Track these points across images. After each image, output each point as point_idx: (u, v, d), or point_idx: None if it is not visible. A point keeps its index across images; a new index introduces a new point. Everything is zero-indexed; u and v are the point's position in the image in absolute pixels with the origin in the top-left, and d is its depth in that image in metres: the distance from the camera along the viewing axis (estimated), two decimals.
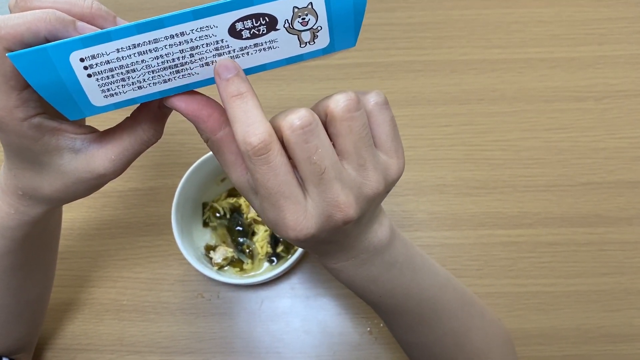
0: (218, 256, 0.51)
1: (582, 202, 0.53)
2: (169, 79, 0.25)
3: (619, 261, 0.51)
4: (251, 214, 0.53)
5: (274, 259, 0.52)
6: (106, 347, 0.51)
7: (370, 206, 0.27)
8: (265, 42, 0.25)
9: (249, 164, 0.24)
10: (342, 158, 0.25)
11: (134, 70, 0.24)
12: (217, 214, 0.53)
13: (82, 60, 0.23)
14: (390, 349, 0.49)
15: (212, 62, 0.25)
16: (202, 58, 0.25)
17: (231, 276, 0.50)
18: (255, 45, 0.25)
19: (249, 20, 0.24)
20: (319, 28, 0.25)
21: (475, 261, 0.52)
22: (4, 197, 0.31)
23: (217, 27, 0.24)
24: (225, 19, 0.23)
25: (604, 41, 0.60)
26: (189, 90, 0.26)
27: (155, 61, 0.24)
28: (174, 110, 0.27)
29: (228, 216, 0.53)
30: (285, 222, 0.25)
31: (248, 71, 0.26)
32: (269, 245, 0.51)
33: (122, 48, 0.23)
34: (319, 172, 0.24)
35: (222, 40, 0.24)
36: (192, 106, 0.26)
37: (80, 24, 0.24)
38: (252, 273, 0.51)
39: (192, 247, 0.49)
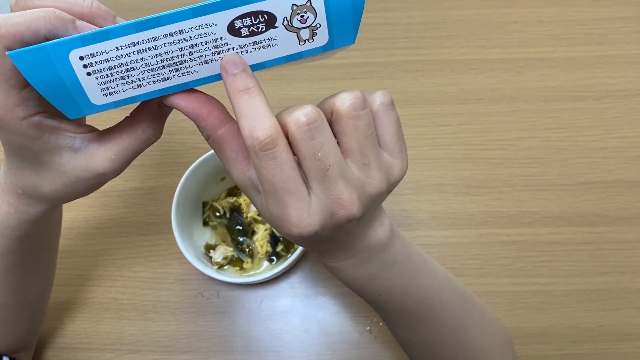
0: (218, 255, 0.51)
1: (581, 202, 0.54)
2: (168, 77, 0.25)
3: (618, 260, 0.51)
4: (251, 213, 0.53)
5: (274, 258, 0.52)
6: (106, 346, 0.51)
7: (372, 205, 0.27)
8: (264, 40, 0.25)
9: (254, 159, 0.24)
10: (346, 156, 0.26)
11: (133, 69, 0.24)
12: (217, 213, 0.53)
13: (81, 58, 0.23)
14: (389, 347, 0.49)
15: (212, 60, 0.25)
16: (202, 56, 0.25)
17: (231, 275, 0.50)
18: (254, 43, 0.25)
19: (247, 18, 0.24)
20: (318, 25, 0.25)
21: (474, 260, 0.52)
22: (3, 196, 0.31)
23: (216, 25, 0.24)
24: (224, 17, 0.24)
25: (603, 41, 0.61)
26: (188, 89, 0.26)
27: (154, 59, 0.24)
28: (174, 110, 0.27)
29: (228, 215, 0.53)
30: (289, 219, 0.25)
31: None
32: (268, 245, 0.52)
33: (121, 46, 0.23)
34: (323, 169, 0.24)
35: (221, 38, 0.24)
36: (192, 104, 0.26)
37: (79, 22, 0.24)
38: (252, 272, 0.51)
39: (192, 246, 0.49)
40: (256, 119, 0.24)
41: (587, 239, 0.52)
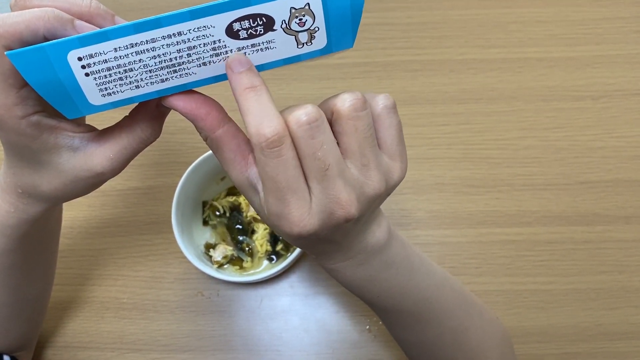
0: (218, 254, 0.51)
1: (580, 201, 0.54)
2: (166, 79, 0.25)
3: (617, 259, 0.51)
4: (251, 212, 0.53)
5: (274, 257, 0.52)
6: (107, 345, 0.51)
7: (371, 206, 0.27)
8: (263, 43, 0.25)
9: (259, 156, 0.24)
10: (346, 157, 0.26)
11: (131, 70, 0.24)
12: (217, 213, 0.53)
13: (79, 59, 0.23)
14: (389, 347, 0.50)
15: (210, 62, 0.25)
16: (200, 58, 0.25)
17: (231, 274, 0.50)
18: (253, 45, 0.25)
19: (246, 21, 0.24)
20: (316, 29, 0.25)
21: (473, 259, 0.52)
22: (3, 196, 0.32)
23: (214, 27, 0.24)
24: (223, 19, 0.24)
25: (602, 41, 0.61)
26: (186, 90, 0.26)
27: (152, 61, 0.24)
28: (173, 110, 0.27)
29: (228, 214, 0.53)
30: (289, 217, 0.25)
31: None
32: (268, 244, 0.52)
33: (119, 47, 0.23)
34: (323, 168, 0.24)
35: (219, 41, 0.24)
36: (190, 105, 0.26)
37: (78, 22, 0.24)
38: (252, 271, 0.51)
39: (192, 245, 0.50)
40: (263, 116, 0.24)
41: (586, 238, 0.52)
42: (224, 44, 0.25)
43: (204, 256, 0.51)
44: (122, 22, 0.26)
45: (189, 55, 0.25)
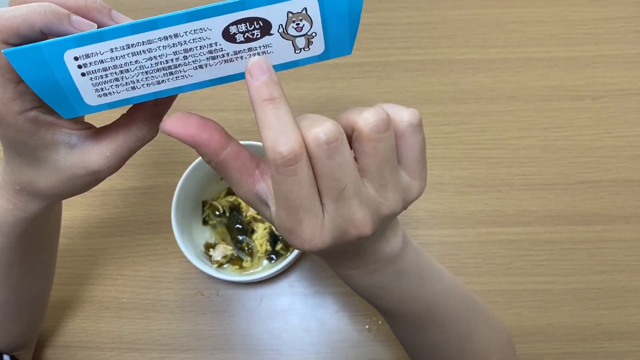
0: (217, 254, 0.51)
1: (580, 201, 0.54)
2: (162, 81, 0.25)
3: (616, 259, 0.51)
4: (250, 212, 0.53)
5: (273, 256, 0.52)
6: (106, 345, 0.51)
7: (385, 223, 0.27)
8: (260, 47, 0.25)
9: (273, 173, 0.23)
10: (363, 175, 0.25)
11: (127, 71, 0.24)
12: (217, 212, 0.53)
13: (76, 59, 0.23)
14: (388, 346, 0.50)
15: (206, 65, 0.25)
16: (196, 60, 0.25)
17: (230, 274, 0.50)
18: (249, 49, 0.25)
19: (242, 24, 0.24)
20: (314, 34, 0.25)
21: (473, 259, 0.52)
22: (1, 193, 0.32)
23: (210, 30, 0.24)
24: (219, 22, 0.23)
25: (601, 41, 0.61)
26: (182, 113, 0.25)
27: (149, 62, 0.24)
28: (171, 107, 0.27)
29: (227, 214, 0.53)
30: (301, 234, 0.25)
31: (241, 76, 0.26)
32: (268, 243, 0.52)
33: (115, 48, 0.23)
34: (339, 189, 0.24)
35: (216, 44, 0.24)
36: (190, 131, 0.24)
37: (75, 17, 0.24)
38: (252, 271, 0.51)
39: (192, 245, 0.50)
40: (280, 131, 0.23)
41: (585, 237, 0.52)
42: (220, 47, 0.24)
43: (203, 256, 0.51)
44: (119, 16, 0.26)
45: (185, 57, 0.24)
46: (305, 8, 0.24)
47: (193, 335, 0.51)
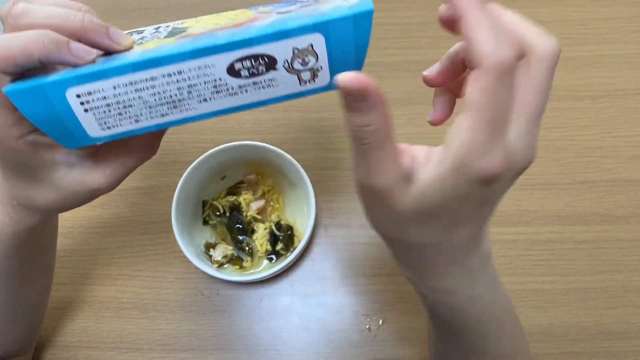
0: (218, 254, 0.51)
1: (579, 200, 0.54)
2: (166, 114, 0.25)
3: (616, 259, 0.52)
4: (250, 212, 0.53)
5: (273, 256, 0.52)
6: (106, 345, 0.51)
7: (515, 180, 0.24)
8: (264, 81, 0.24)
9: (488, 81, 0.20)
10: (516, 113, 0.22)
11: (131, 106, 0.24)
12: (217, 212, 0.53)
13: (78, 96, 0.23)
14: (388, 346, 0.50)
15: (211, 98, 0.25)
16: (200, 95, 0.24)
17: (231, 274, 0.50)
18: (254, 83, 0.24)
19: (247, 61, 0.23)
20: (320, 68, 0.25)
21: None
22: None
23: (215, 66, 0.23)
24: (224, 59, 0.23)
25: (601, 41, 0.61)
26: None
27: (152, 97, 0.24)
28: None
29: (228, 214, 0.53)
30: (492, 151, 0.21)
31: (246, 107, 0.26)
32: (268, 243, 0.52)
33: (118, 85, 0.23)
34: (538, 111, 0.22)
35: (220, 79, 0.24)
36: (361, 82, 0.22)
37: (73, 45, 0.23)
38: (252, 270, 0.51)
39: (192, 244, 0.50)
40: (502, 34, 0.20)
41: (585, 237, 0.52)
42: (225, 82, 0.24)
43: (203, 256, 0.51)
44: (116, 34, 0.25)
45: (189, 92, 0.24)
46: (312, 44, 0.23)
47: (193, 335, 0.51)
